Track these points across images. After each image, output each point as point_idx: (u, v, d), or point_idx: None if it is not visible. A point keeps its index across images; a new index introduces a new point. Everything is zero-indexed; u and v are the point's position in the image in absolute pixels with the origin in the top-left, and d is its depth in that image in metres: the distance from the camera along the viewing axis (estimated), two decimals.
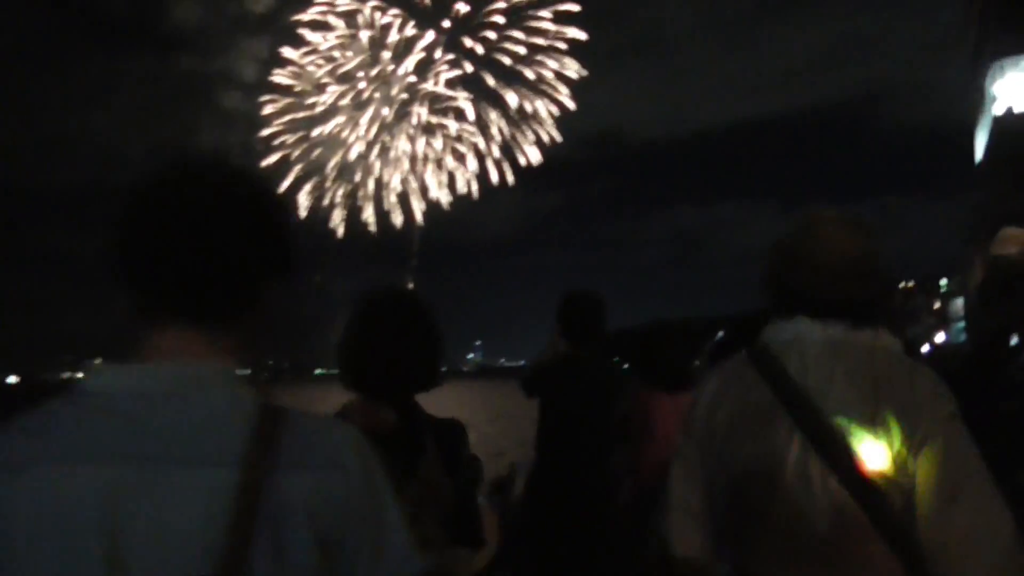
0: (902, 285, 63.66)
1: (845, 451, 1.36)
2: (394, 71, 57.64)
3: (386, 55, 56.43)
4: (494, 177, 61.23)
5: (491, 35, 57.56)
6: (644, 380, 3.95)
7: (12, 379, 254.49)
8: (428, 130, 60.42)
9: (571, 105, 58.71)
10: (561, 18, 56.52)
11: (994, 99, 25.73)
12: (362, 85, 57.59)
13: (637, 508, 3.73)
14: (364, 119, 59.11)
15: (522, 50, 57.53)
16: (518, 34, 57.20)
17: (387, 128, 60.02)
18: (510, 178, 61.14)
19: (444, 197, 62.00)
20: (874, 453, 1.34)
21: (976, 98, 28.82)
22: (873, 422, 1.36)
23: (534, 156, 60.71)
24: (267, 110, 58.49)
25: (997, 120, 25.71)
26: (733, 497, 1.48)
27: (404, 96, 58.88)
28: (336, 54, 56.37)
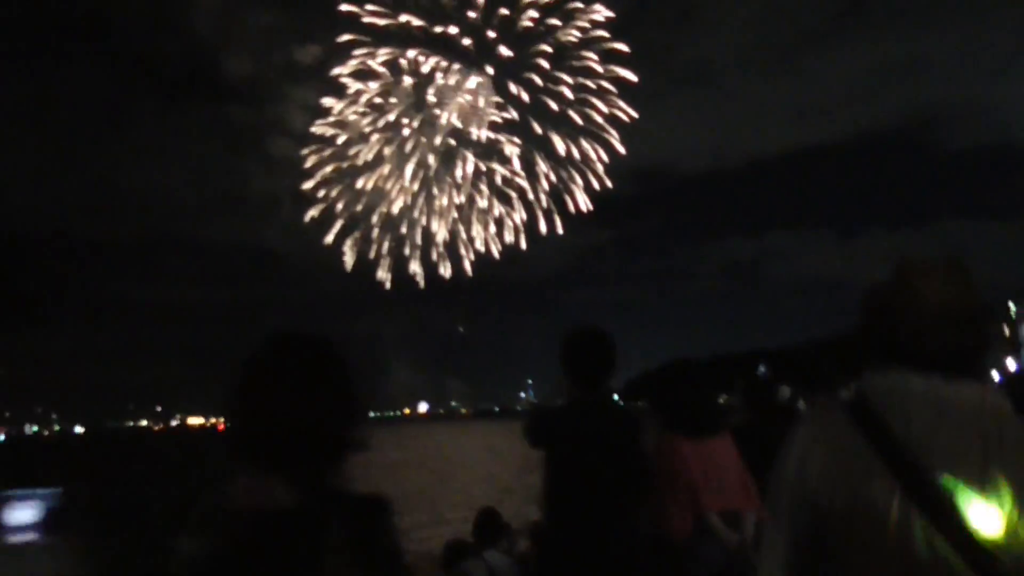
0: None
1: (953, 512, 1.31)
2: (438, 118, 57.86)
3: (430, 100, 56.74)
4: (542, 226, 60.72)
5: (537, 78, 57.40)
6: (665, 425, 3.51)
7: (79, 429, 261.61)
8: (474, 178, 60.30)
9: (621, 149, 58.13)
10: (608, 58, 56.22)
11: None
12: (406, 132, 57.86)
13: (662, 569, 3.29)
14: (408, 168, 59.33)
15: (569, 93, 57.22)
16: (565, 76, 56.98)
17: (432, 177, 60.10)
18: (559, 225, 60.57)
19: (492, 247, 61.69)
20: (984, 516, 1.29)
21: None
22: (982, 483, 1.31)
23: (583, 202, 60.13)
24: (310, 161, 59.25)
25: None
26: (829, 553, 1.43)
27: (449, 143, 58.99)
28: (379, 101, 56.89)
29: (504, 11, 55.33)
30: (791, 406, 5.08)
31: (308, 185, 59.71)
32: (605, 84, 57.65)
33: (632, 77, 56.37)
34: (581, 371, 3.17)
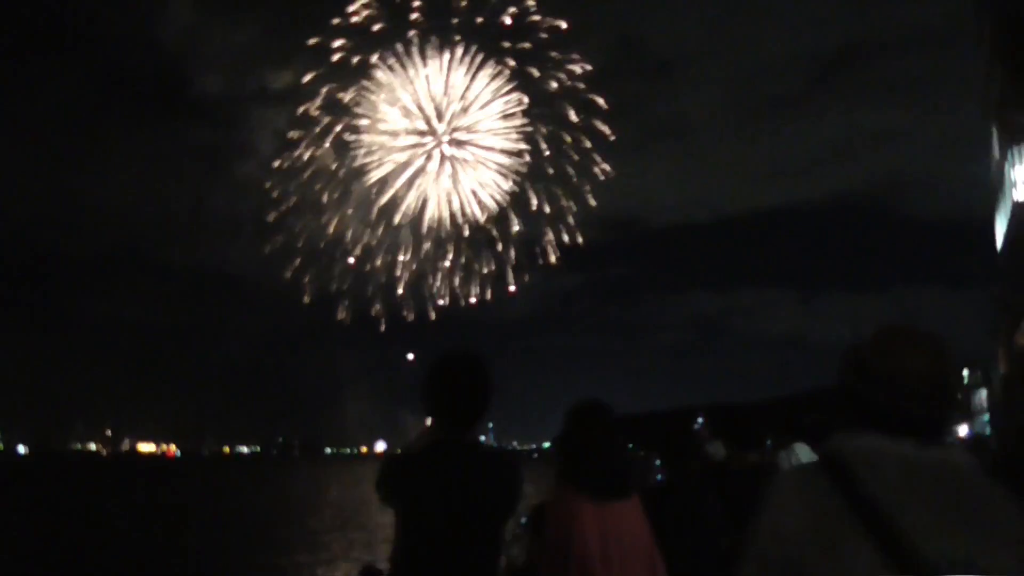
0: None
1: (930, 573, 1.33)
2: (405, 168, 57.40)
3: (399, 144, 56.24)
4: (510, 278, 60.13)
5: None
6: (562, 479, 3.05)
7: (22, 449, 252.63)
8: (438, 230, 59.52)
9: (593, 202, 57.84)
10: (587, 111, 56.22)
11: (1014, 184, 25.11)
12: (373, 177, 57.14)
13: None
14: (374, 209, 58.39)
15: (544, 144, 57.01)
16: (542, 127, 56.65)
17: (395, 226, 59.22)
18: (526, 277, 60.04)
19: (459, 297, 60.89)
20: None
21: (995, 185, 28.31)
22: (955, 544, 1.34)
23: (552, 254, 59.74)
24: (275, 192, 58.14)
25: (1017, 206, 25.02)
26: None
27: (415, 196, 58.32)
28: (348, 138, 56.10)
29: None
30: (722, 464, 4.72)
31: (270, 216, 58.45)
32: (582, 138, 57.52)
33: (608, 132, 56.27)
34: (445, 405, 2.65)
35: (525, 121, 54.80)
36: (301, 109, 52.25)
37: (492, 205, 56.33)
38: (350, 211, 55.17)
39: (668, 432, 4.37)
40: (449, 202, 56.15)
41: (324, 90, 51.85)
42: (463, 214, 56.40)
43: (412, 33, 51.49)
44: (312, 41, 52.30)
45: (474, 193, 56.01)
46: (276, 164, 54.97)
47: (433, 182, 56.05)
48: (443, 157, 55.28)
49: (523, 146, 55.42)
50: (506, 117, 55.13)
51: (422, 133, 54.25)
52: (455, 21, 52.16)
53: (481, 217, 56.22)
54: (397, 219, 55.62)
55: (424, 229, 56.21)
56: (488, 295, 58.55)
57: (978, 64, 32.43)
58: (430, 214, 56.11)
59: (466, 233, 56.36)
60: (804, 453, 4.75)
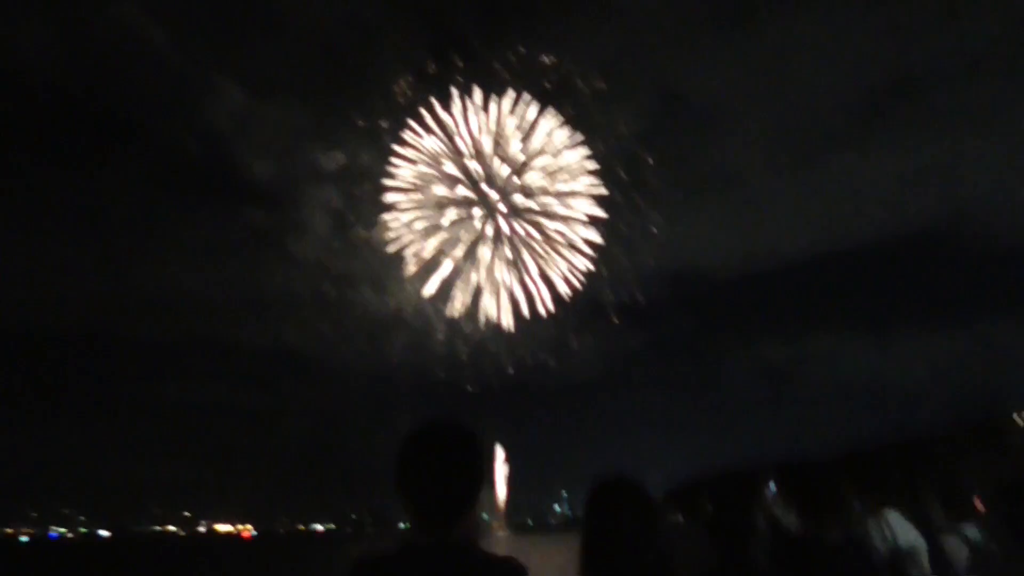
0: (1016, 417, 58.32)
1: None
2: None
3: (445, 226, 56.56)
4: (573, 344, 59.76)
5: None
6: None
7: (104, 533, 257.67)
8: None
9: (650, 260, 57.73)
10: (635, 167, 56.48)
11: None
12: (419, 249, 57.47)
13: None
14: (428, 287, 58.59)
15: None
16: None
17: (473, 295, 59.23)
18: (589, 339, 59.54)
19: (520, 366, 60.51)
20: None
21: None
22: None
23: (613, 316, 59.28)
24: (331, 270, 59.51)
25: None
26: None
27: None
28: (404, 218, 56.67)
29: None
30: (799, 539, 4.00)
31: (329, 293, 59.64)
32: (634, 195, 57.14)
33: (657, 185, 55.96)
34: (413, 496, 2.10)
35: (594, 181, 55.28)
36: (355, 182, 53.91)
37: (566, 291, 56.44)
38: (407, 286, 56.03)
39: (720, 501, 3.71)
40: (511, 294, 56.46)
41: (372, 167, 53.67)
42: (529, 306, 56.58)
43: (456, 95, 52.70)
44: (360, 123, 54.03)
45: (544, 279, 56.45)
46: (332, 242, 56.30)
47: (488, 270, 57.07)
48: (498, 231, 55.66)
49: (598, 211, 55.57)
50: (572, 175, 55.60)
51: (470, 203, 54.82)
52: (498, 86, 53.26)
53: (551, 307, 56.19)
54: (448, 311, 55.88)
55: (481, 320, 56.40)
56: (552, 360, 57.98)
57: None
58: (486, 307, 56.49)
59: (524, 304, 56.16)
60: (899, 524, 4.04)
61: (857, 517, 4.63)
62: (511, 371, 58.44)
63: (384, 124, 53.32)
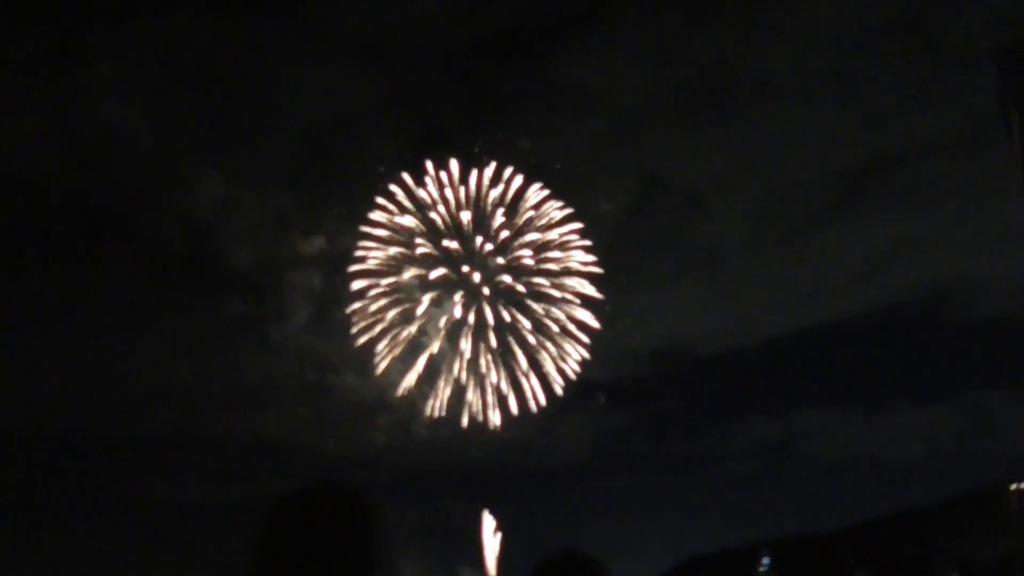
0: (1014, 487, 57.45)
1: None
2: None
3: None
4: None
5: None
6: None
7: None
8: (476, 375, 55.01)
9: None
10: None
11: None
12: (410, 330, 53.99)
13: None
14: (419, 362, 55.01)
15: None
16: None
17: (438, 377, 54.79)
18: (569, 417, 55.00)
19: (495, 418, 55.55)
20: None
21: None
22: None
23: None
24: (310, 357, 56.26)
25: None
26: None
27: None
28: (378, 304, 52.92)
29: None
30: None
31: (309, 380, 56.71)
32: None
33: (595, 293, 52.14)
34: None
35: (588, 258, 52.06)
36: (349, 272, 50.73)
37: (559, 382, 52.58)
38: (397, 351, 52.09)
39: None
40: (497, 390, 50.96)
41: (352, 250, 50.88)
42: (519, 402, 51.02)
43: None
44: (336, 210, 52.11)
45: (535, 370, 50.54)
46: (313, 328, 54.17)
47: (470, 363, 51.79)
48: (481, 318, 50.50)
49: (591, 291, 52.06)
50: (564, 251, 52.66)
51: (449, 286, 49.86)
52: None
53: (543, 400, 52.05)
54: (427, 411, 51.62)
55: (464, 421, 52.01)
56: (540, 442, 55.07)
57: (1012, 154, 31.79)
58: (469, 405, 50.49)
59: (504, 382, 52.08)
60: None
61: None
62: (498, 421, 54.53)
63: (365, 209, 51.48)
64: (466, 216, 50.00)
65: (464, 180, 49.81)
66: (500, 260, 50.86)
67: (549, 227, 50.82)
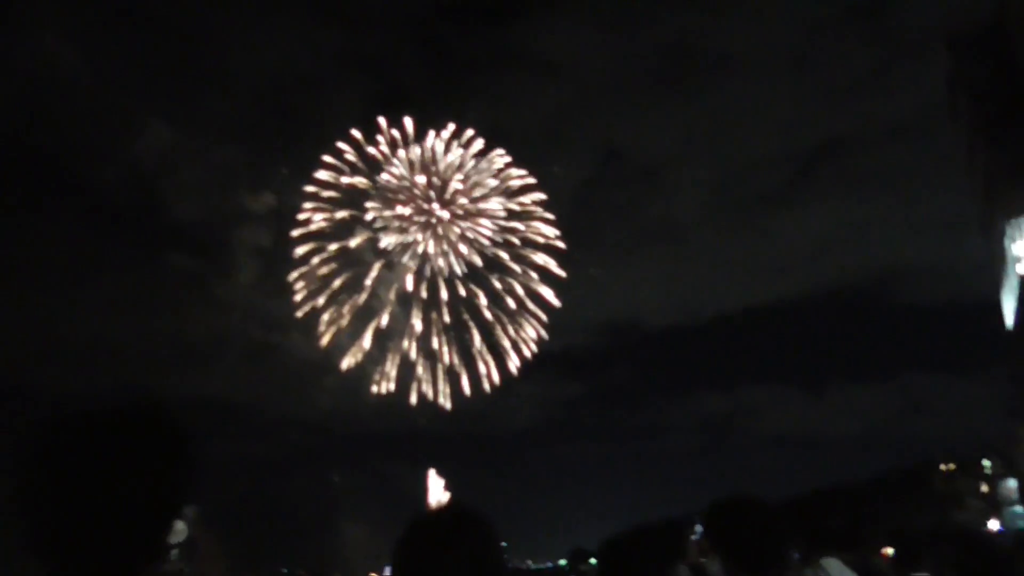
0: (942, 467, 59.57)
1: None
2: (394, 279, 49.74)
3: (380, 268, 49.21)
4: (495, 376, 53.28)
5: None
6: None
7: None
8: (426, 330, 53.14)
9: (556, 302, 49.94)
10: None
11: (1017, 259, 24.33)
12: (364, 288, 51.05)
13: None
14: (368, 330, 50.21)
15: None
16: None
17: (386, 332, 53.49)
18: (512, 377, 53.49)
19: (445, 399, 53.73)
20: None
21: (997, 265, 27.57)
22: None
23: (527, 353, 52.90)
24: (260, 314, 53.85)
25: None
26: None
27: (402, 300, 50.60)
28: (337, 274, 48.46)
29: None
30: None
31: (259, 338, 54.78)
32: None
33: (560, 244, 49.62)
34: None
35: (553, 231, 48.54)
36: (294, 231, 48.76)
37: (515, 363, 49.56)
38: (343, 323, 50.46)
39: (641, 553, 3.16)
40: (449, 370, 49.66)
41: (311, 207, 48.71)
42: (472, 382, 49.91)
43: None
44: (284, 171, 49.60)
45: (491, 350, 49.40)
46: (261, 286, 52.39)
47: (419, 339, 49.59)
48: (435, 293, 49.09)
49: (553, 266, 48.91)
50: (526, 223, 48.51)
51: (400, 253, 48.85)
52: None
53: (496, 380, 49.72)
54: (374, 388, 49.56)
55: (413, 399, 49.78)
56: (489, 409, 54.07)
57: (958, 144, 32.37)
58: (419, 382, 49.87)
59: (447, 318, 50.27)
60: (836, 569, 3.55)
61: (796, 567, 4.12)
62: (448, 404, 53.24)
63: (317, 168, 49.18)
64: (421, 179, 47.54)
65: (420, 139, 47.07)
66: (456, 229, 48.53)
67: (511, 195, 48.38)
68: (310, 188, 47.46)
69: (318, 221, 47.50)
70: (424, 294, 49.60)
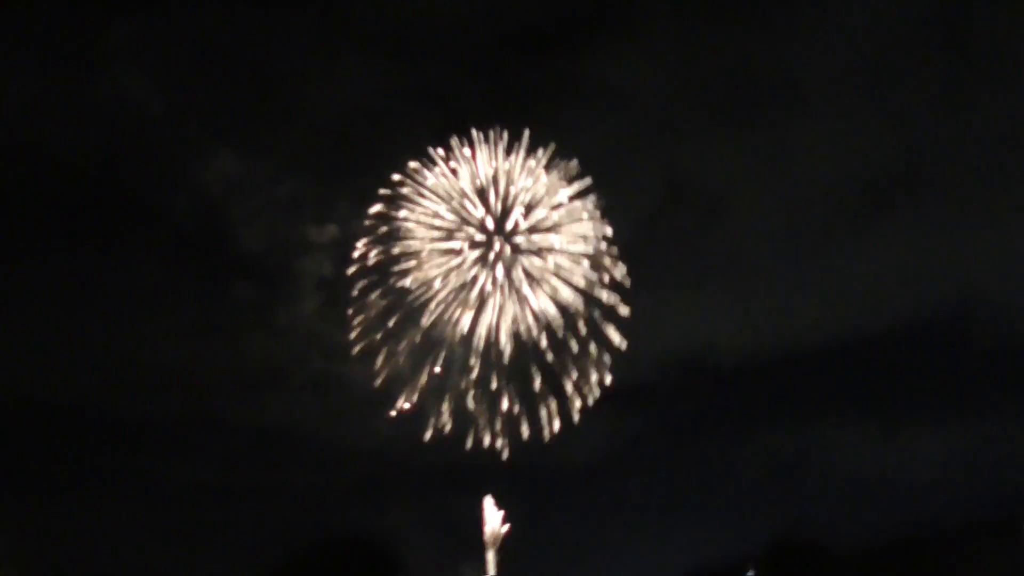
0: None
1: None
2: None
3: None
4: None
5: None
6: None
7: None
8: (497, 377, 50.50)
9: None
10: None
11: None
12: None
13: None
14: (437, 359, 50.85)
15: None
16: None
17: (455, 371, 50.93)
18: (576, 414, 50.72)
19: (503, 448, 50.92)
20: None
21: None
22: None
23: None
24: (323, 343, 53.76)
25: None
26: None
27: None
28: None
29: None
30: None
31: (319, 367, 54.64)
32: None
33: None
34: None
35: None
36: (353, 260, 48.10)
37: (577, 406, 47.44)
38: (400, 358, 49.34)
39: None
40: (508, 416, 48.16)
41: (365, 243, 47.82)
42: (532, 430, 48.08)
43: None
44: (344, 203, 48.60)
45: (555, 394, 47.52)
46: (323, 313, 52.26)
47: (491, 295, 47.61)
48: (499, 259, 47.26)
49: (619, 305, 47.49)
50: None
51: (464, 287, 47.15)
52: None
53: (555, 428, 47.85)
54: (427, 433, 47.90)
55: (473, 358, 47.50)
56: (550, 431, 51.64)
57: None
58: (482, 332, 47.81)
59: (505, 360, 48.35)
60: None
61: None
62: (505, 453, 51.96)
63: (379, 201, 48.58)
64: (479, 212, 46.91)
65: (481, 168, 46.78)
66: (524, 264, 47.73)
67: (580, 237, 47.51)
68: (367, 222, 47.13)
69: (374, 256, 47.10)
70: (483, 334, 47.99)
